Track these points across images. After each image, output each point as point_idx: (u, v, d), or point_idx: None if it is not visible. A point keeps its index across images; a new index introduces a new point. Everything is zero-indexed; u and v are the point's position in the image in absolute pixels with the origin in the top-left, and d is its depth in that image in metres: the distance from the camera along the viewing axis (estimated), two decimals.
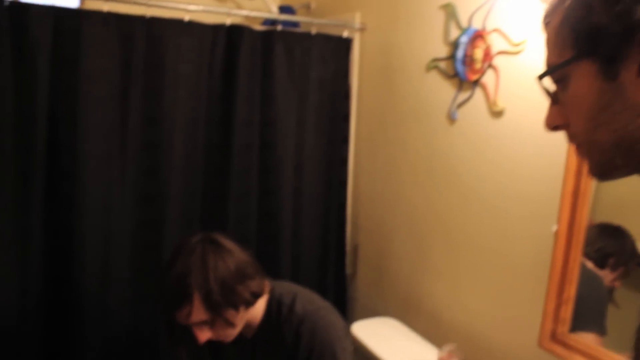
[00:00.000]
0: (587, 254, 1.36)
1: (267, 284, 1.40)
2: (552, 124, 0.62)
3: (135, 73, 1.78)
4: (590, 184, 1.32)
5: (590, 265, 1.37)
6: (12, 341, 1.76)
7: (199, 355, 1.51)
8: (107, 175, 1.78)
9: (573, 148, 0.65)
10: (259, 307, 1.37)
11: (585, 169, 1.31)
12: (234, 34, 1.93)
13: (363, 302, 2.32)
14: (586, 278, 1.38)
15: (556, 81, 0.60)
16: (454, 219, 1.81)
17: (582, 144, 0.59)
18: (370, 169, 2.23)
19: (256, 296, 1.31)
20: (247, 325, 1.37)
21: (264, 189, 2.04)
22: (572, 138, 0.61)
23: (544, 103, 1.46)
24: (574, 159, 1.32)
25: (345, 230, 2.30)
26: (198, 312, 1.23)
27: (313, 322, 1.32)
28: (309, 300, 1.37)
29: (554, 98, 0.61)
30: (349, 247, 2.34)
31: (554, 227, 1.39)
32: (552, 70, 0.58)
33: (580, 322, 1.39)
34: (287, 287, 1.41)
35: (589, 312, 1.41)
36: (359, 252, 2.35)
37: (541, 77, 0.60)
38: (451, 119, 1.79)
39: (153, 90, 1.82)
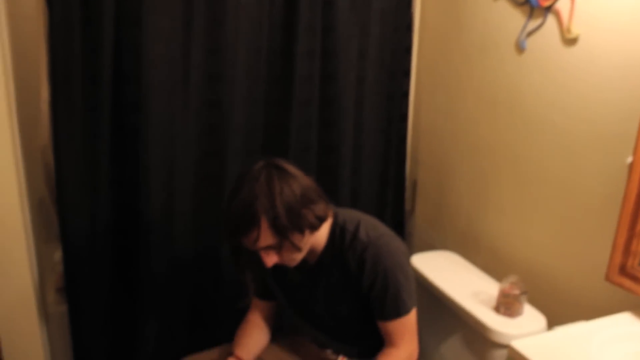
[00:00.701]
0: None
1: (331, 210, 1.41)
2: None
3: (198, 3, 1.77)
4: None
5: None
6: (83, 263, 1.85)
7: (263, 281, 1.55)
8: (171, 106, 1.80)
9: None
10: (323, 232, 1.39)
11: None
12: None
13: (421, 238, 2.33)
14: None
15: None
16: (519, 152, 1.76)
17: None
18: (432, 103, 2.19)
19: (321, 220, 1.33)
20: (311, 251, 1.39)
21: (324, 121, 2.03)
22: None
23: (624, 26, 1.39)
24: None
25: (405, 165, 2.29)
26: (266, 237, 1.25)
27: (377, 248, 1.33)
28: (372, 227, 1.37)
29: None
30: (408, 183, 2.33)
31: (629, 159, 1.34)
32: None
33: None
34: (351, 214, 1.42)
35: None
36: (417, 188, 2.33)
37: None
38: (520, 48, 1.72)
39: (215, 21, 1.81)
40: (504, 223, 1.85)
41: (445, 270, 1.84)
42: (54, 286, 2.07)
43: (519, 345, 1.23)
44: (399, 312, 1.36)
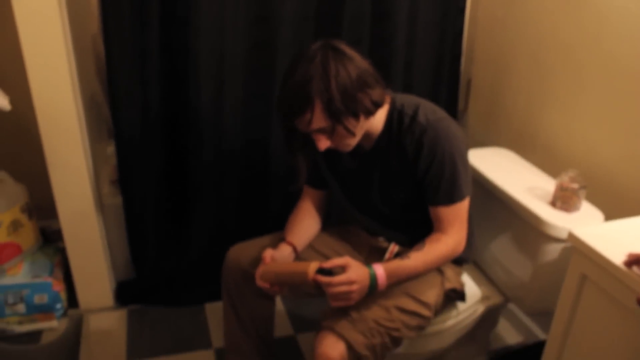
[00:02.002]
0: None
1: (389, 95, 1.37)
2: None
3: None
4: None
5: None
6: (135, 154, 1.90)
7: (316, 168, 1.54)
8: None
9: None
10: (379, 117, 1.35)
11: None
12: None
13: (473, 137, 2.27)
14: None
15: None
16: (585, 44, 1.66)
17: None
18: None
19: (377, 105, 1.29)
20: (367, 137, 1.36)
21: (377, 13, 1.94)
22: None
23: None
24: None
25: (460, 62, 2.20)
26: (319, 119, 1.23)
27: (436, 131, 1.29)
28: (432, 111, 1.33)
29: None
30: (462, 80, 2.24)
31: None
32: None
33: None
34: (409, 99, 1.38)
35: None
36: (471, 87, 2.25)
37: None
38: None
39: None
40: (561, 121, 1.78)
41: (499, 166, 1.79)
42: (108, 178, 2.13)
43: (579, 232, 1.20)
44: (453, 198, 1.33)
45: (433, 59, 2.13)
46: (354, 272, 1.25)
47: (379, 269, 1.29)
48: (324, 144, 1.28)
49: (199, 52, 1.79)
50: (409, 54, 2.06)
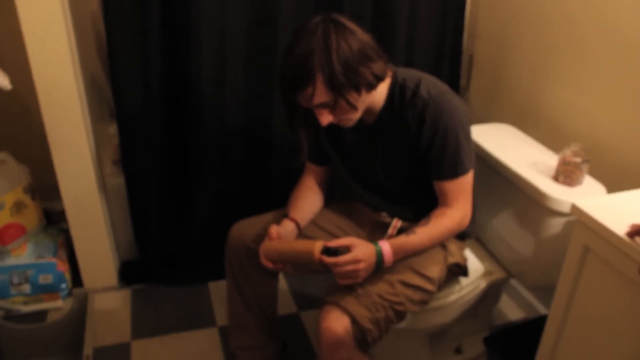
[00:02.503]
0: None
1: (390, 69, 1.36)
2: None
3: None
4: None
5: None
6: (138, 133, 1.90)
7: (318, 144, 1.53)
8: None
9: None
10: (381, 91, 1.34)
11: None
12: None
13: (476, 114, 2.26)
14: None
15: None
16: (588, 18, 1.64)
17: None
18: None
19: (378, 78, 1.28)
20: (369, 111, 1.36)
21: None
22: None
23: None
24: None
25: (462, 38, 2.18)
26: (321, 94, 1.22)
27: (438, 105, 1.29)
28: (434, 85, 1.32)
29: None
30: (464, 57, 2.23)
31: None
32: None
33: None
34: (411, 72, 1.37)
35: None
36: (473, 63, 2.24)
37: None
38: None
39: None
40: (564, 97, 1.77)
41: (502, 142, 1.78)
42: (110, 158, 2.13)
43: (582, 204, 1.20)
44: (457, 171, 1.33)
45: (435, 35, 2.11)
46: (360, 251, 1.25)
47: (385, 246, 1.29)
48: (326, 119, 1.28)
49: (200, 30, 1.78)
50: (410, 30, 2.04)
